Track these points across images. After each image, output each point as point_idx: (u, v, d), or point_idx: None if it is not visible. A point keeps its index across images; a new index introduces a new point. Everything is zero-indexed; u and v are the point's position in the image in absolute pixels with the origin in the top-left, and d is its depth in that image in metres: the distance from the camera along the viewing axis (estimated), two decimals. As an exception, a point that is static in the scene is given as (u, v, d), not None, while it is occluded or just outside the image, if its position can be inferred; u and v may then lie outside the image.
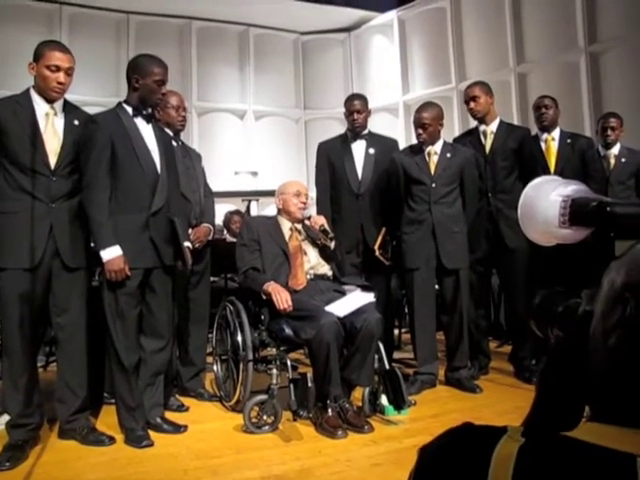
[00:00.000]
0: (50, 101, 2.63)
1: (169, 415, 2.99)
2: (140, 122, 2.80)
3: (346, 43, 8.63)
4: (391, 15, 8.07)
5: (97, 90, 7.09)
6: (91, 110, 2.98)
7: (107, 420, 2.93)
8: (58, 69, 2.59)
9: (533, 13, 6.63)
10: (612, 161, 3.94)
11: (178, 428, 2.85)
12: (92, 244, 2.78)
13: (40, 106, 2.62)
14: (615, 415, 0.62)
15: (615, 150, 3.96)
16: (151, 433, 2.74)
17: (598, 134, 4.05)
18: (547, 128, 3.83)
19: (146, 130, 2.82)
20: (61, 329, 2.67)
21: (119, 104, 2.84)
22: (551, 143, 3.82)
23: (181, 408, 3.21)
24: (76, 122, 2.68)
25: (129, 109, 2.80)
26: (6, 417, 2.61)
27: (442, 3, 7.52)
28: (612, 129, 3.93)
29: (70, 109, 2.72)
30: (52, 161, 2.60)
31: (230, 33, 8.32)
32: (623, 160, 3.93)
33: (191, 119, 7.80)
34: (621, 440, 0.59)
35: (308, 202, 3.40)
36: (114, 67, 7.22)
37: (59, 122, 2.65)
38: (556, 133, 3.84)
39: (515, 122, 5.77)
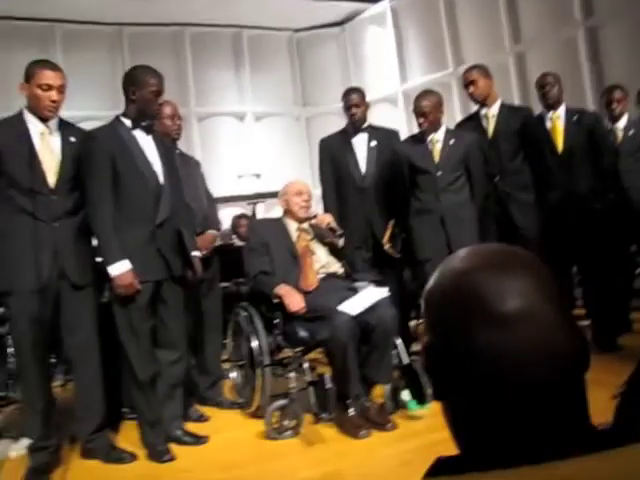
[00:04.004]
0: (44, 120, 2.61)
1: (189, 426, 2.96)
2: (139, 134, 2.78)
3: (341, 37, 8.57)
4: (384, 5, 7.99)
5: (95, 104, 7.07)
6: (90, 124, 2.96)
7: (129, 435, 2.91)
8: (50, 87, 2.57)
9: (527, -10, 6.53)
10: (619, 134, 3.86)
11: (199, 439, 2.82)
12: (99, 259, 2.76)
13: (35, 126, 2.60)
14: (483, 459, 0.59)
15: (622, 123, 3.88)
16: (172, 446, 2.71)
17: (603, 108, 3.97)
18: (552, 106, 3.72)
19: (146, 141, 2.79)
20: (73, 349, 2.65)
21: (117, 118, 2.81)
22: (557, 121, 3.72)
23: (201, 418, 3.19)
24: (72, 139, 2.66)
25: (127, 122, 2.77)
26: (25, 441, 2.59)
27: (434, -12, 7.43)
28: (617, 102, 3.85)
29: (65, 126, 2.70)
30: (51, 180, 2.57)
31: (224, 36, 8.28)
32: (631, 132, 3.85)
33: (191, 125, 7.77)
34: None
35: (311, 200, 3.36)
36: (110, 80, 7.19)
37: (55, 140, 2.63)
38: (561, 110, 3.74)
39: (516, 103, 5.69)
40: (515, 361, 0.59)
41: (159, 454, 2.63)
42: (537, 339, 0.59)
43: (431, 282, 0.68)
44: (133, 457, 2.66)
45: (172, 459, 2.62)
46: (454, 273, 0.66)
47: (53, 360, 3.28)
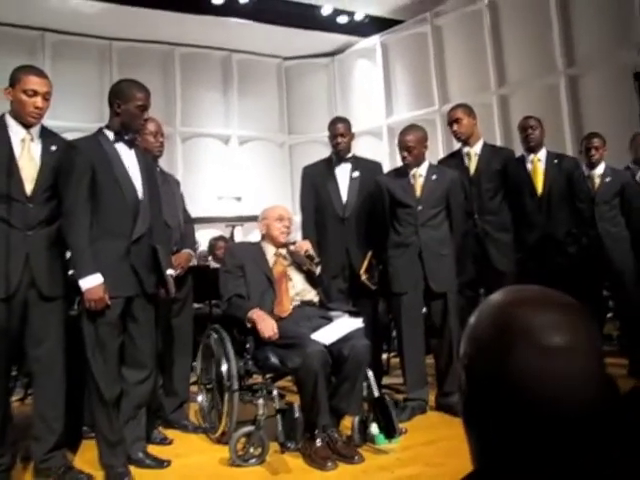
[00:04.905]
0: (27, 126, 2.57)
1: (152, 449, 2.88)
2: (121, 147, 2.75)
3: (330, 67, 8.69)
4: (374, 40, 8.15)
5: (80, 116, 7.05)
6: (73, 136, 2.92)
7: (87, 456, 2.81)
8: (35, 93, 2.54)
9: (512, 37, 6.73)
10: (597, 181, 3.95)
11: (161, 463, 2.74)
12: (70, 272, 2.70)
13: (16, 132, 2.55)
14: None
15: (599, 170, 3.97)
16: (133, 469, 2.63)
17: (582, 154, 4.06)
18: (533, 149, 3.82)
19: (128, 156, 2.76)
20: (37, 361, 2.56)
21: (100, 129, 2.79)
22: (537, 164, 3.81)
23: (164, 441, 3.10)
24: (53, 148, 2.62)
25: (110, 134, 2.74)
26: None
27: (424, 28, 7.61)
28: (596, 149, 3.95)
29: (47, 135, 2.65)
30: (28, 188, 2.52)
31: (213, 58, 8.34)
32: (607, 180, 3.94)
33: (175, 144, 7.78)
34: None
35: (292, 226, 3.35)
36: (97, 93, 7.19)
37: (36, 148, 2.58)
38: (542, 154, 3.83)
39: (498, 144, 5.81)
40: (553, 389, 0.61)
41: (119, 476, 2.54)
42: (578, 373, 0.62)
43: (476, 311, 0.71)
44: (90, 478, 2.56)
45: (132, 482, 2.54)
46: (499, 303, 0.69)
47: (13, 373, 3.18)
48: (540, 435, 0.61)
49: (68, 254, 2.68)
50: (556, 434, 0.61)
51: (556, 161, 3.82)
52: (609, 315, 4.43)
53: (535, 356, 0.62)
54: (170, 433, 3.21)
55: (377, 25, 8.02)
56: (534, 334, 0.63)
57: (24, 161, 2.54)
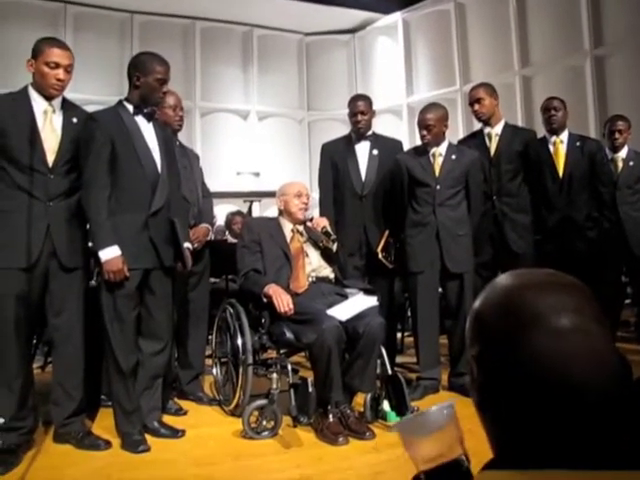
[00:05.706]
0: (49, 98, 2.59)
1: (167, 419, 2.93)
2: (141, 120, 2.76)
3: (350, 44, 8.60)
4: (395, 17, 8.03)
5: (101, 89, 7.06)
6: (93, 108, 2.93)
7: (104, 423, 2.88)
8: (57, 66, 2.55)
9: (538, 16, 6.59)
10: (620, 164, 3.89)
11: (176, 433, 2.79)
12: (90, 244, 2.74)
13: (38, 103, 2.58)
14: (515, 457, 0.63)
15: (623, 153, 3.91)
16: (148, 438, 2.68)
17: (605, 137, 3.99)
18: (556, 130, 3.76)
19: (147, 129, 2.77)
20: (57, 330, 2.62)
21: (120, 102, 2.79)
22: (559, 146, 3.75)
23: (179, 412, 3.16)
24: (75, 120, 2.64)
25: (130, 107, 2.75)
26: (-1, 420, 2.56)
27: (447, 5, 7.48)
28: (620, 132, 3.88)
29: (69, 107, 2.68)
30: (50, 159, 2.55)
31: (234, 33, 8.29)
32: (631, 163, 3.88)
33: (194, 119, 7.77)
34: None
35: (310, 203, 3.35)
36: (118, 66, 7.18)
37: (57, 120, 2.61)
38: (564, 136, 3.77)
39: (520, 124, 5.72)
40: (564, 364, 0.62)
41: (135, 444, 2.60)
42: (588, 350, 0.63)
43: (481, 297, 0.71)
44: (108, 445, 2.62)
45: (148, 450, 2.59)
46: (506, 288, 0.69)
47: (33, 341, 3.24)
48: (557, 415, 0.62)
49: (88, 226, 2.71)
50: (573, 414, 0.62)
51: (578, 143, 3.76)
52: (627, 301, 4.40)
53: (547, 339, 0.63)
54: (185, 404, 3.27)
55: (399, 1, 7.90)
56: (544, 317, 0.64)
57: (46, 132, 2.57)
